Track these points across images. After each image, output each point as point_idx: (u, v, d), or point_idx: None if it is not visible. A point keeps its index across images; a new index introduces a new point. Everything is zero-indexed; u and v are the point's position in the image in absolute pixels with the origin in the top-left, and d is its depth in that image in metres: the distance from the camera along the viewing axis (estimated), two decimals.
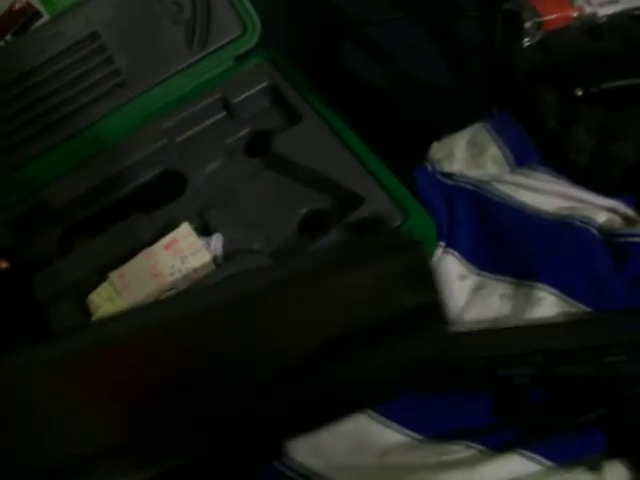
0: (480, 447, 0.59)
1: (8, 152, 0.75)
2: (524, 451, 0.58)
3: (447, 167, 0.70)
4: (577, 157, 0.69)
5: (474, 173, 0.70)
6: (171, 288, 0.66)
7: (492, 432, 0.60)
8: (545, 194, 0.69)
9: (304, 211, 0.70)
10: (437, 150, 0.71)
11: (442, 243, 0.67)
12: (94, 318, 0.66)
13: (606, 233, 0.67)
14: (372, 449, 0.61)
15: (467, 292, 0.66)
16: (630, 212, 0.68)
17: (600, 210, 0.68)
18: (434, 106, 0.76)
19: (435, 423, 0.61)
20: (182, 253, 0.68)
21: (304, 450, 0.61)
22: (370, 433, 0.61)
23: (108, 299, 0.67)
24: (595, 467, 0.57)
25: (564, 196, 0.69)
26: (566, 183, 0.70)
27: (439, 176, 0.70)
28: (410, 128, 0.75)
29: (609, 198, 0.68)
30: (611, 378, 0.59)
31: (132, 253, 0.69)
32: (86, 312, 0.67)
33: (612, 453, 0.58)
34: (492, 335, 0.62)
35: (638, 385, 0.58)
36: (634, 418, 0.58)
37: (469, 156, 0.70)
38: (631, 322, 0.61)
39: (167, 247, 0.68)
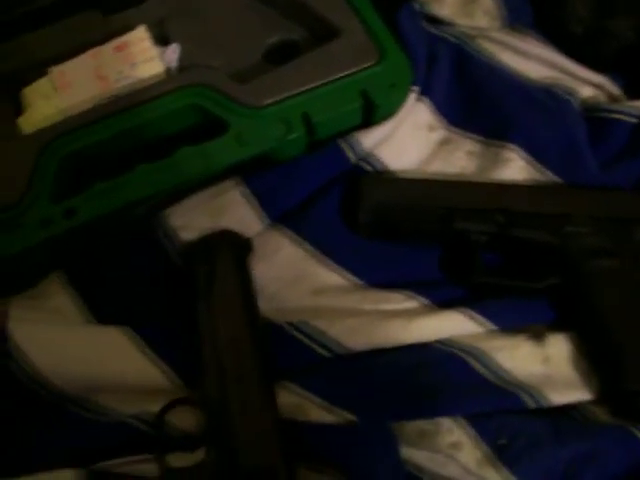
0: (423, 300, 0.56)
1: None
2: (469, 310, 0.55)
3: (435, 10, 0.65)
4: (571, 27, 0.65)
5: (462, 21, 0.65)
6: (114, 95, 0.60)
7: (438, 287, 0.57)
8: (531, 59, 0.65)
9: (274, 40, 0.64)
10: None
11: (416, 88, 0.62)
12: (25, 115, 0.60)
13: (588, 108, 0.63)
14: (306, 286, 0.57)
15: (433, 144, 0.62)
16: (616, 90, 0.64)
17: (586, 84, 0.64)
18: None
19: (378, 270, 0.58)
20: (133, 59, 0.61)
21: None
22: (305, 270, 0.57)
23: (44, 96, 0.61)
24: (538, 336, 0.55)
25: (550, 64, 0.65)
26: (555, 52, 0.65)
27: (424, 23, 0.65)
28: None
29: (597, 73, 0.64)
30: (570, 248, 0.55)
31: (79, 54, 0.62)
32: (17, 108, 0.61)
33: (557, 325, 0.56)
34: (452, 186, 0.58)
35: (595, 258, 0.55)
36: (586, 290, 0.55)
37: (460, 2, 0.65)
38: (599, 197, 0.58)
39: (117, 49, 0.61)
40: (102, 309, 0.57)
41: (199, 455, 0.50)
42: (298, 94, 0.58)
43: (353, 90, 0.58)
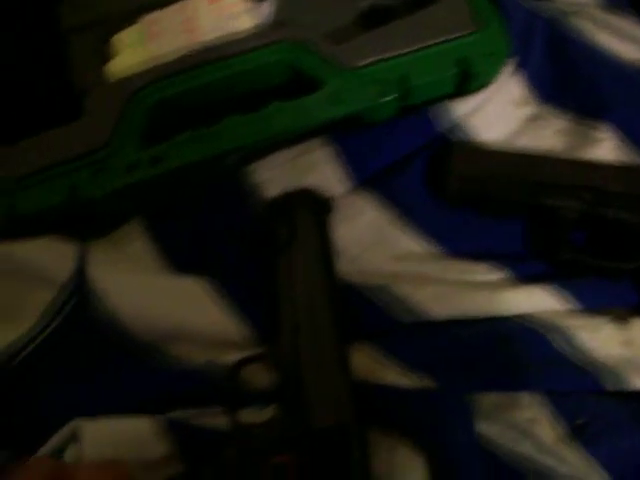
0: (508, 273, 0.55)
1: None
2: (553, 287, 0.54)
3: None
4: None
5: None
6: (203, 47, 0.60)
7: (523, 261, 0.56)
8: (628, 41, 0.63)
9: (368, 3, 0.63)
10: None
11: (513, 61, 0.61)
12: (113, 62, 0.60)
13: None
14: (388, 251, 0.56)
15: (522, 120, 0.61)
16: None
17: None
18: None
19: (463, 239, 0.57)
20: (224, 12, 0.61)
21: None
22: (389, 234, 0.57)
23: (132, 45, 0.60)
24: (621, 319, 0.54)
25: None
26: None
27: None
28: None
29: None
30: None
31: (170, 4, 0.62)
32: (106, 55, 0.61)
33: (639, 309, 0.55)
34: (544, 161, 0.57)
35: None
36: None
37: None
38: None
39: (210, 1, 0.61)
40: (181, 258, 0.56)
41: (270, 412, 0.50)
42: (395, 57, 0.57)
43: (451, 57, 0.57)
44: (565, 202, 0.55)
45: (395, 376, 0.51)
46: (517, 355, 0.52)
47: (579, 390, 0.52)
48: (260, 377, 0.52)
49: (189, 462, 0.50)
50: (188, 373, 0.52)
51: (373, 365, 0.52)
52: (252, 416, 0.50)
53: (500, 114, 0.60)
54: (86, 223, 0.57)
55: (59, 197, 0.54)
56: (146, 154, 0.55)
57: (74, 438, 0.49)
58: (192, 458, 0.50)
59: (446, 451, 0.48)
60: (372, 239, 0.56)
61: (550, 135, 0.60)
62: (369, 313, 0.53)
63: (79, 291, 0.54)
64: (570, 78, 0.61)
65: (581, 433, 0.50)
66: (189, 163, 0.54)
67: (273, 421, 0.49)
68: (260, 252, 0.56)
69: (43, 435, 0.49)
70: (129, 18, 0.61)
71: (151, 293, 0.54)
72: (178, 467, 0.50)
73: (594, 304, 0.54)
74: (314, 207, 0.56)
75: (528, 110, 0.61)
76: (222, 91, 0.58)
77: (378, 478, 0.48)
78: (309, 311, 0.52)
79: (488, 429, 0.50)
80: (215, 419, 0.50)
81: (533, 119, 0.61)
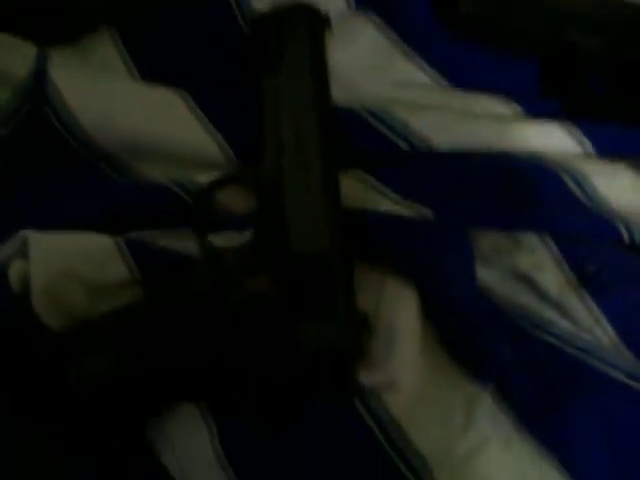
0: (518, 108, 0.50)
1: None
2: (566, 127, 0.49)
3: None
4: None
5: None
6: None
7: (536, 98, 0.51)
8: None
9: None
10: None
11: None
12: None
13: None
14: (387, 77, 0.51)
15: None
16: None
17: None
18: None
19: (470, 73, 0.52)
20: None
21: None
22: (388, 60, 0.52)
23: None
24: (636, 168, 0.49)
25: None
26: None
27: None
28: None
29: None
30: None
31: None
32: None
33: None
34: None
35: None
36: None
37: None
38: None
39: None
40: (153, 71, 0.51)
41: (245, 237, 0.44)
42: None
43: None
44: (586, 37, 0.50)
45: (390, 205, 0.46)
46: (524, 191, 0.47)
47: (590, 235, 0.47)
48: (237, 200, 0.46)
49: (149, 287, 0.44)
50: (155, 188, 0.46)
51: (366, 192, 0.46)
52: (225, 240, 0.44)
53: None
54: (52, 26, 0.50)
55: None
56: None
57: (21, 252, 0.43)
58: (153, 283, 0.44)
59: (443, 286, 0.43)
60: (370, 64, 0.51)
61: None
62: (365, 139, 0.48)
63: (38, 93, 0.47)
64: None
65: (588, 282, 0.45)
66: None
67: (248, 246, 0.44)
68: (245, 68, 0.50)
69: None
70: None
71: (118, 100, 0.48)
72: (137, 292, 0.44)
73: (609, 150, 0.49)
74: (308, 21, 0.50)
75: None
76: None
77: (365, 314, 0.43)
78: (296, 132, 0.46)
79: (486, 275, 0.45)
80: (183, 242, 0.44)
81: None
